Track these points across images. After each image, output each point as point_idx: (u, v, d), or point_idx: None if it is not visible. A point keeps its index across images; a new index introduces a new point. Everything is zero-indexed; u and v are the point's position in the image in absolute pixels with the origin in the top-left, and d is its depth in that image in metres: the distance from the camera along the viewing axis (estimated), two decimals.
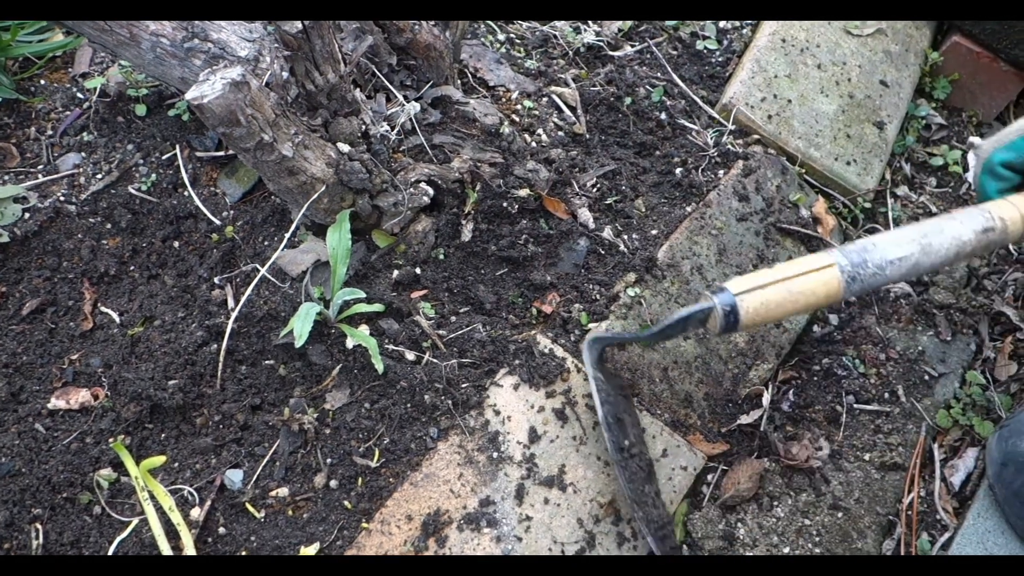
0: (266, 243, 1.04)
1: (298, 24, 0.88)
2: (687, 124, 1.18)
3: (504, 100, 1.17)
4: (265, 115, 0.87)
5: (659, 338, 0.85)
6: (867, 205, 1.21)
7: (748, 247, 1.10)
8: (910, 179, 1.28)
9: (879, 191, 1.22)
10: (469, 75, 1.17)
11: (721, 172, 1.14)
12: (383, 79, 1.04)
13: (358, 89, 1.02)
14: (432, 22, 1.02)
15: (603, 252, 1.05)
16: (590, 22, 1.27)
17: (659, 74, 1.24)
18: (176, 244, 1.05)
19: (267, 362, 0.94)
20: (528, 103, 1.16)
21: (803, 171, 1.19)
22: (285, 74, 0.97)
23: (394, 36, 1.01)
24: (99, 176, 1.08)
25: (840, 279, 0.78)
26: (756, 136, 1.18)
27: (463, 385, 0.93)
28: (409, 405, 0.91)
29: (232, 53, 1.00)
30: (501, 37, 1.25)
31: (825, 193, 1.20)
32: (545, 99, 1.17)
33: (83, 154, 1.11)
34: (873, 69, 1.28)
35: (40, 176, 1.08)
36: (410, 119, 1.04)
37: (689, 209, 1.10)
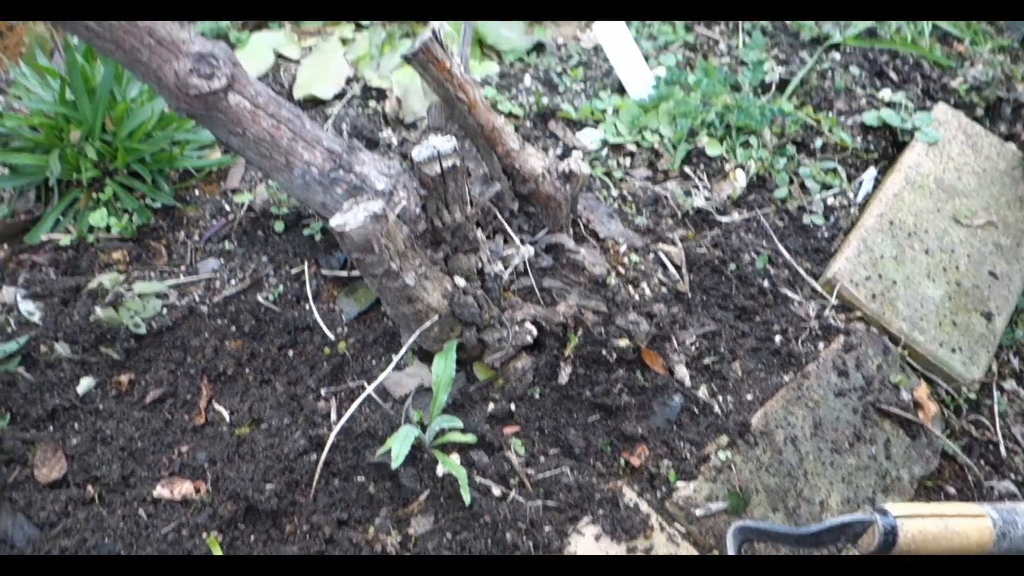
0: (374, 362, 1.09)
1: (436, 167, 0.96)
2: (789, 294, 1.20)
3: (612, 252, 1.22)
4: (396, 246, 0.95)
5: (810, 542, 0.83)
6: (972, 396, 1.18)
7: (845, 423, 1.08)
8: (1018, 374, 1.25)
9: (985, 383, 1.19)
10: (581, 225, 1.23)
11: (821, 345, 1.15)
12: (503, 222, 1.11)
13: (479, 229, 1.09)
14: (556, 176, 1.10)
15: (696, 411, 1.06)
16: (701, 186, 1.33)
17: (764, 242, 1.27)
18: (291, 353, 1.11)
19: (359, 478, 0.97)
20: (635, 257, 1.21)
21: (905, 353, 1.18)
22: (417, 210, 1.05)
23: (519, 184, 1.09)
24: (232, 282, 1.17)
25: (992, 532, 0.79)
26: (859, 313, 1.19)
27: (546, 528, 0.93)
28: (490, 540, 0.92)
29: (371, 186, 1.09)
30: (615, 193, 1.33)
31: (928, 378, 1.18)
32: (651, 255, 1.22)
33: (222, 260, 1.22)
34: (983, 260, 1.28)
35: (181, 276, 1.18)
36: (523, 261, 1.10)
37: (786, 378, 1.10)
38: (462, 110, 0.98)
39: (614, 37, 1.46)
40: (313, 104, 1.48)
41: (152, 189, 1.25)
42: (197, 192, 1.32)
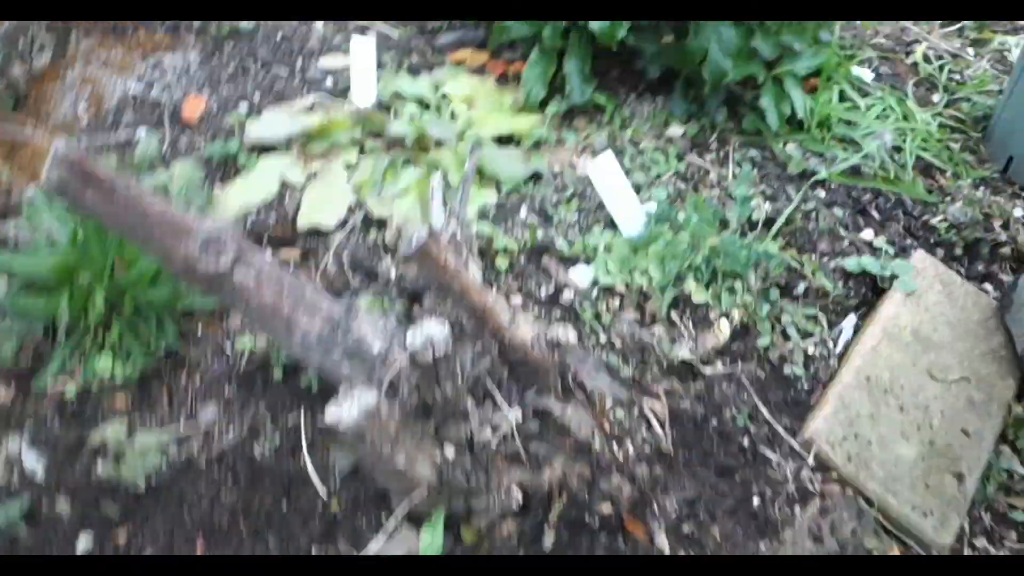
0: (364, 521, 1.13)
1: (430, 355, 1.01)
2: (768, 453, 1.25)
3: (599, 406, 1.27)
4: (388, 434, 0.99)
5: None
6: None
7: None
8: (989, 531, 1.29)
9: (955, 548, 1.23)
10: (569, 377, 1.28)
11: (797, 508, 1.19)
12: (493, 388, 1.16)
13: (470, 397, 1.14)
14: (545, 344, 1.15)
15: None
16: (686, 334, 1.38)
17: (745, 395, 1.32)
18: (285, 506, 1.15)
19: None
20: (620, 413, 1.25)
21: (880, 516, 1.22)
22: (408, 391, 1.10)
23: (509, 353, 1.14)
24: (230, 432, 1.22)
25: None
26: (835, 474, 1.23)
27: None
28: None
29: (368, 347, 1.14)
30: (603, 338, 1.37)
31: (901, 541, 1.22)
32: (636, 410, 1.27)
33: (221, 407, 1.26)
34: (956, 416, 1.33)
35: (182, 424, 1.22)
36: (511, 427, 1.14)
37: (763, 547, 1.14)
38: (455, 295, 1.03)
39: (605, 175, 1.52)
40: (316, 235, 1.53)
41: (157, 332, 1.29)
42: (200, 330, 1.36)
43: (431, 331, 0.99)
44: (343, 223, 1.55)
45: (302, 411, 1.25)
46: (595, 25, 1.69)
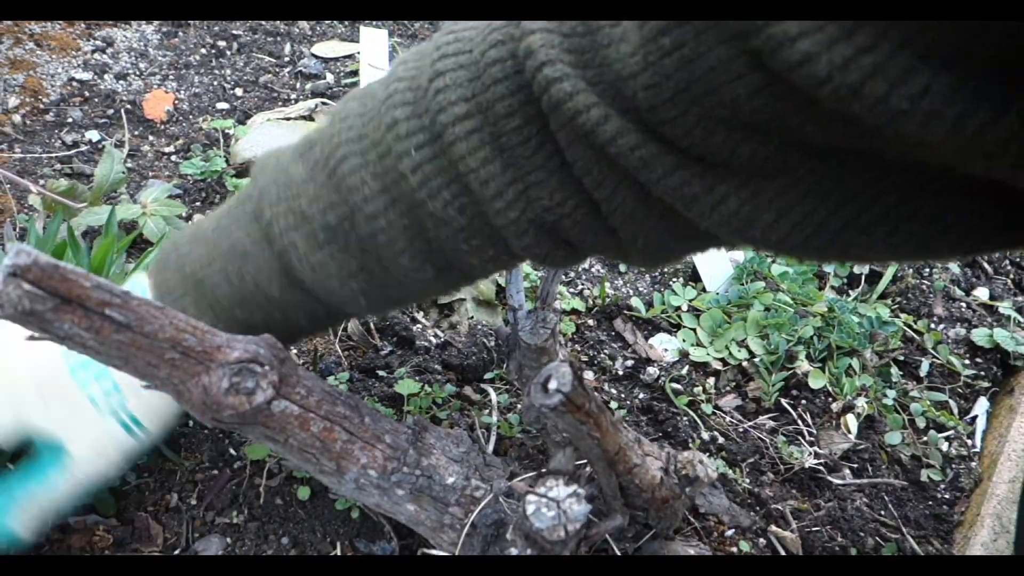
0: None
1: (561, 532, 0.72)
2: None
3: (716, 534, 1.01)
4: None
5: None
6: None
7: None
8: None
9: None
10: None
11: None
12: (611, 544, 0.88)
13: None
14: (675, 480, 0.88)
15: None
16: (806, 430, 1.13)
17: (883, 512, 1.08)
18: None
19: None
20: (744, 545, 1.00)
21: None
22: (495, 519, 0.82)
23: (633, 496, 0.87)
24: None
25: None
26: None
27: None
28: None
29: (440, 481, 0.86)
30: (705, 435, 1.11)
31: None
32: (763, 540, 1.01)
33: (228, 539, 0.95)
34: None
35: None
36: None
37: None
38: (592, 444, 0.75)
39: None
40: None
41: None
42: (191, 423, 1.04)
43: (565, 506, 0.71)
44: None
45: (339, 547, 0.95)
46: None
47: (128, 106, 1.47)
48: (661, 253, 0.63)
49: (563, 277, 1.26)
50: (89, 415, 0.74)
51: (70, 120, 1.43)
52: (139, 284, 0.76)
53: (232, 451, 1.02)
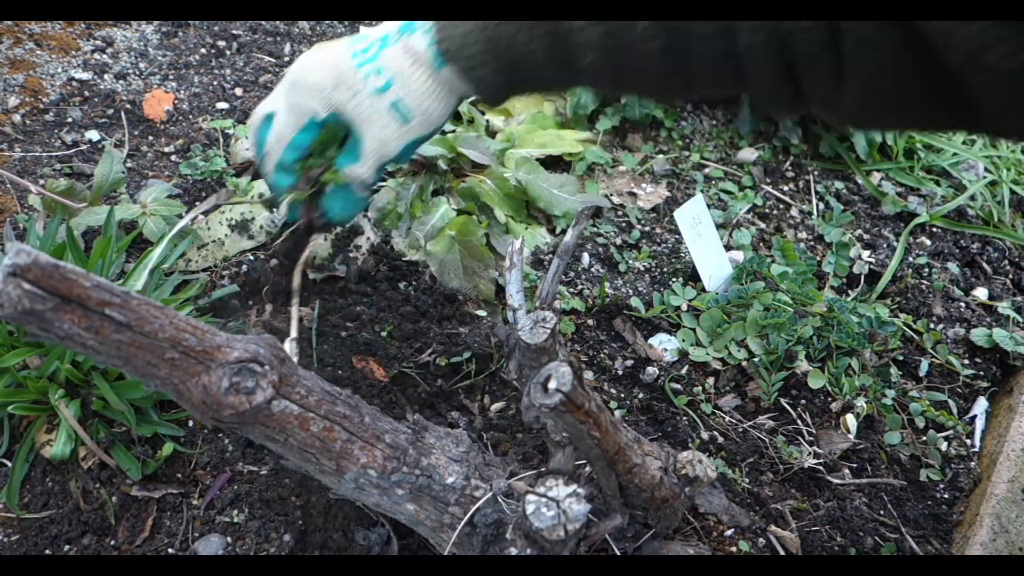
0: None
1: (561, 532, 0.72)
2: None
3: (716, 535, 1.01)
4: None
5: None
6: None
7: None
8: None
9: None
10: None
11: None
12: (611, 543, 0.88)
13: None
14: (675, 479, 0.88)
15: None
16: (805, 430, 1.13)
17: (882, 512, 1.08)
18: None
19: None
20: (743, 544, 1.00)
21: None
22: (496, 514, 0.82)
23: (633, 496, 0.87)
24: None
25: None
26: None
27: None
28: None
29: (439, 480, 0.86)
30: (704, 435, 1.11)
31: None
32: (762, 540, 1.01)
33: (228, 539, 0.95)
34: None
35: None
36: None
37: None
38: (592, 444, 0.75)
39: (694, 223, 1.24)
40: (332, 281, 1.21)
41: (140, 423, 0.97)
42: (191, 423, 1.04)
43: (564, 504, 0.71)
44: (365, 268, 1.23)
45: (341, 533, 0.95)
46: None
47: (128, 106, 1.47)
48: (873, 109, 0.65)
49: (563, 277, 1.26)
50: (371, 107, 0.88)
51: (70, 120, 1.43)
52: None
53: (231, 446, 1.02)
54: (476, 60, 0.82)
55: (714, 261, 1.28)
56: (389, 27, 0.89)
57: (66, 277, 0.59)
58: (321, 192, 0.96)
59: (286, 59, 1.63)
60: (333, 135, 0.93)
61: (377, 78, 0.87)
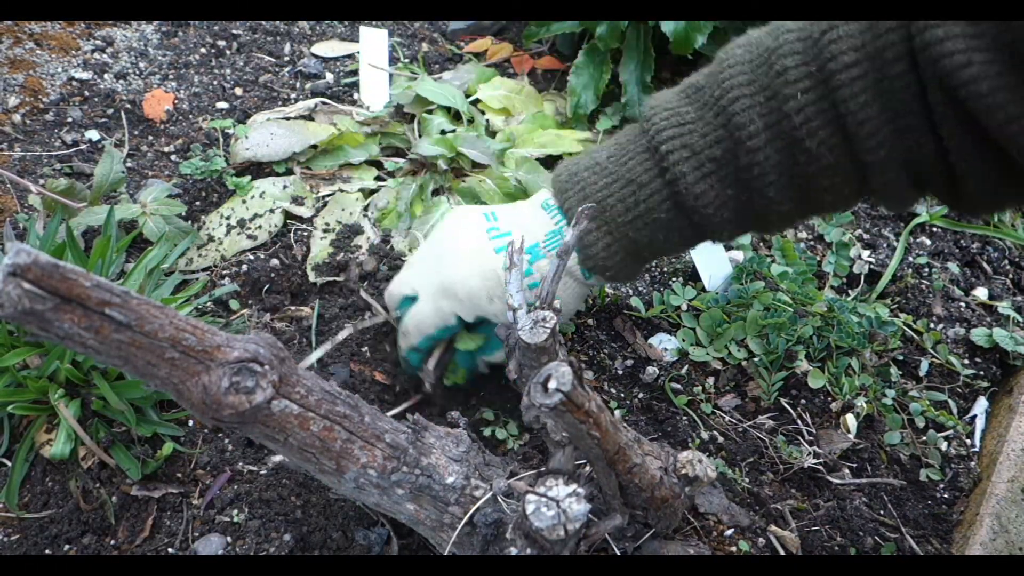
0: None
1: (560, 532, 0.72)
2: None
3: (716, 534, 1.01)
4: None
5: None
6: None
7: None
8: None
9: None
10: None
11: None
12: (611, 543, 0.88)
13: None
14: (675, 479, 0.88)
15: None
16: (805, 430, 1.13)
17: (882, 511, 1.08)
18: None
19: None
20: (743, 544, 1.00)
21: None
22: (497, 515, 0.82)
23: (633, 496, 0.86)
24: None
25: None
26: None
27: None
28: None
29: (439, 480, 0.86)
30: (704, 434, 1.11)
31: None
32: (762, 540, 1.01)
33: (228, 539, 0.95)
34: None
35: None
36: None
37: None
38: (592, 444, 0.75)
39: None
40: (332, 285, 1.21)
41: (140, 423, 0.97)
42: (191, 422, 1.04)
43: (564, 505, 0.71)
44: (365, 275, 1.23)
45: (341, 533, 0.95)
46: (668, 26, 1.39)
47: (128, 106, 1.47)
48: (990, 197, 0.73)
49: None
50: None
51: (70, 120, 1.43)
52: (539, 198, 0.96)
53: (230, 445, 1.02)
54: (616, 270, 0.93)
55: (714, 261, 1.28)
56: (527, 224, 0.96)
57: (66, 277, 0.59)
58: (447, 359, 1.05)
59: (286, 59, 1.63)
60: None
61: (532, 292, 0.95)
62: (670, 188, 0.84)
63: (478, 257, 0.94)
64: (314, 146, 1.34)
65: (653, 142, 0.84)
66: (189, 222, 1.23)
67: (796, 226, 1.43)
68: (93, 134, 1.41)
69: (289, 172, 1.33)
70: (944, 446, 1.16)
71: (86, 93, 1.48)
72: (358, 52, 1.59)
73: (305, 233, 1.27)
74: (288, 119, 1.40)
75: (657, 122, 0.84)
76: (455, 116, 1.46)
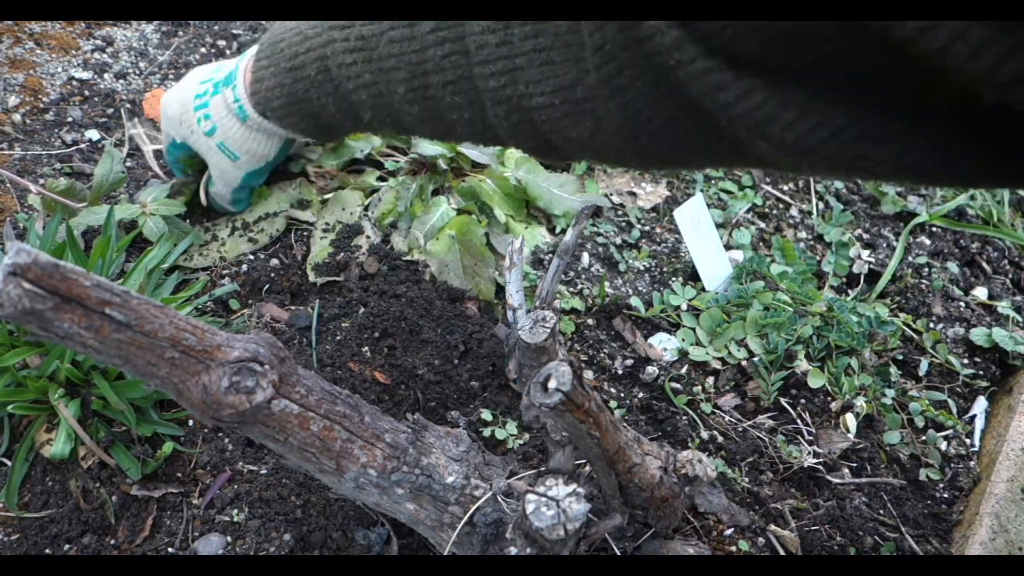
0: None
1: (561, 532, 0.72)
2: None
3: (716, 534, 1.01)
4: None
5: None
6: None
7: None
8: None
9: None
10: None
11: None
12: (611, 543, 0.88)
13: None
14: (674, 478, 0.88)
15: None
16: (804, 430, 1.13)
17: (881, 511, 1.08)
18: None
19: None
20: (743, 544, 1.00)
21: None
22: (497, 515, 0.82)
23: (632, 495, 0.87)
24: None
25: None
26: None
27: None
28: None
29: (439, 480, 0.86)
30: (704, 434, 1.11)
31: None
32: (762, 540, 1.01)
33: (228, 538, 0.95)
34: None
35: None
36: None
37: None
38: (591, 443, 0.75)
39: (694, 223, 1.24)
40: (333, 285, 1.21)
41: (140, 423, 0.97)
42: (191, 422, 1.04)
43: (564, 504, 0.71)
44: (366, 275, 1.23)
45: (342, 533, 0.95)
46: None
47: (128, 105, 1.47)
48: (658, 153, 0.68)
49: (563, 276, 1.26)
50: (205, 145, 1.10)
51: (70, 119, 1.43)
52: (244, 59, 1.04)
53: (230, 445, 1.02)
54: (282, 112, 0.99)
55: (714, 261, 1.28)
56: (230, 67, 1.05)
57: (66, 276, 0.59)
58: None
59: None
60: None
61: (206, 123, 1.07)
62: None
63: (182, 92, 1.09)
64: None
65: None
66: (188, 221, 1.23)
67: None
68: (93, 134, 1.41)
69: (303, 172, 1.33)
70: (944, 446, 1.16)
71: (86, 93, 1.48)
72: None
73: (305, 233, 1.27)
74: None
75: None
76: None
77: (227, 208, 1.22)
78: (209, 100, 1.06)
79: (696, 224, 1.24)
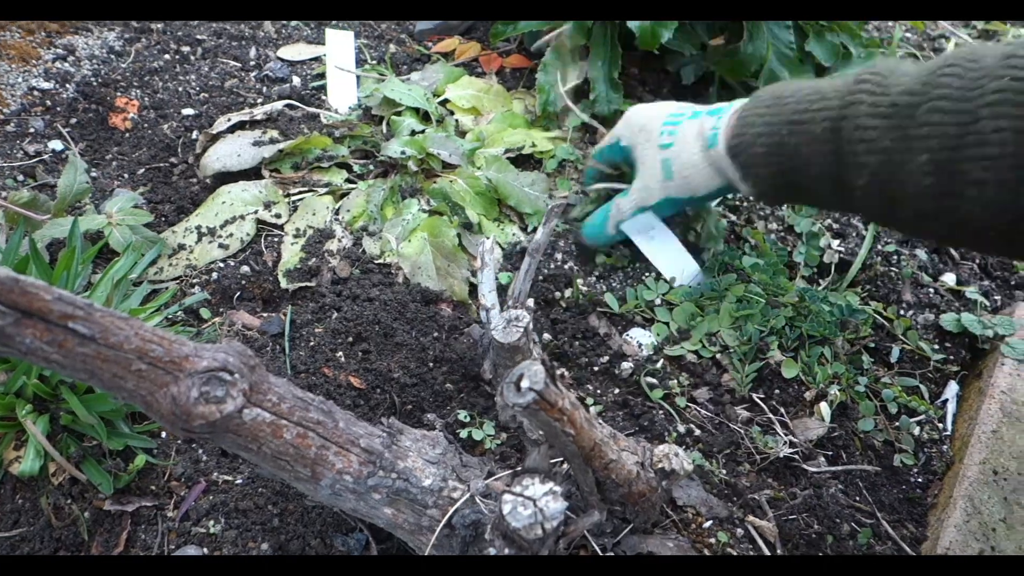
0: None
1: (538, 531, 0.72)
2: None
3: (694, 527, 1.01)
4: None
5: None
6: None
7: None
8: None
9: None
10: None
11: None
12: (591, 540, 0.88)
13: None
14: (651, 473, 0.88)
15: None
16: (778, 420, 1.14)
17: (857, 498, 1.09)
18: None
19: None
20: (722, 535, 1.00)
21: None
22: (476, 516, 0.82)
23: (610, 491, 0.87)
24: None
25: None
26: None
27: None
28: None
29: (416, 483, 0.86)
30: (681, 428, 1.12)
31: None
32: (740, 531, 1.02)
33: (205, 550, 0.94)
34: None
35: None
36: None
37: None
38: (567, 441, 0.75)
39: (648, 230, 1.24)
40: (305, 290, 1.20)
41: (111, 436, 0.95)
42: (163, 434, 1.03)
43: (541, 504, 0.71)
44: (338, 279, 1.22)
45: (319, 541, 0.94)
46: (634, 25, 1.39)
47: (91, 115, 1.45)
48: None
49: (535, 275, 1.26)
50: (651, 156, 1.11)
51: (32, 130, 1.41)
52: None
53: (204, 455, 1.01)
54: (755, 159, 0.97)
55: (676, 261, 1.28)
56: (718, 106, 1.07)
57: (26, 291, 0.58)
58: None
59: (251, 63, 1.61)
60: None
61: (667, 137, 1.08)
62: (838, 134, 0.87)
63: (656, 110, 1.14)
64: (280, 150, 1.33)
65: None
66: (163, 239, 1.21)
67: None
68: (56, 144, 1.39)
69: (259, 176, 1.32)
70: (917, 431, 1.17)
71: (48, 103, 1.46)
72: (325, 55, 1.58)
73: (276, 239, 1.26)
74: (254, 121, 1.38)
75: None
76: (424, 117, 1.46)
77: (596, 240, 1.26)
78: (683, 120, 1.08)
79: (648, 231, 1.24)
